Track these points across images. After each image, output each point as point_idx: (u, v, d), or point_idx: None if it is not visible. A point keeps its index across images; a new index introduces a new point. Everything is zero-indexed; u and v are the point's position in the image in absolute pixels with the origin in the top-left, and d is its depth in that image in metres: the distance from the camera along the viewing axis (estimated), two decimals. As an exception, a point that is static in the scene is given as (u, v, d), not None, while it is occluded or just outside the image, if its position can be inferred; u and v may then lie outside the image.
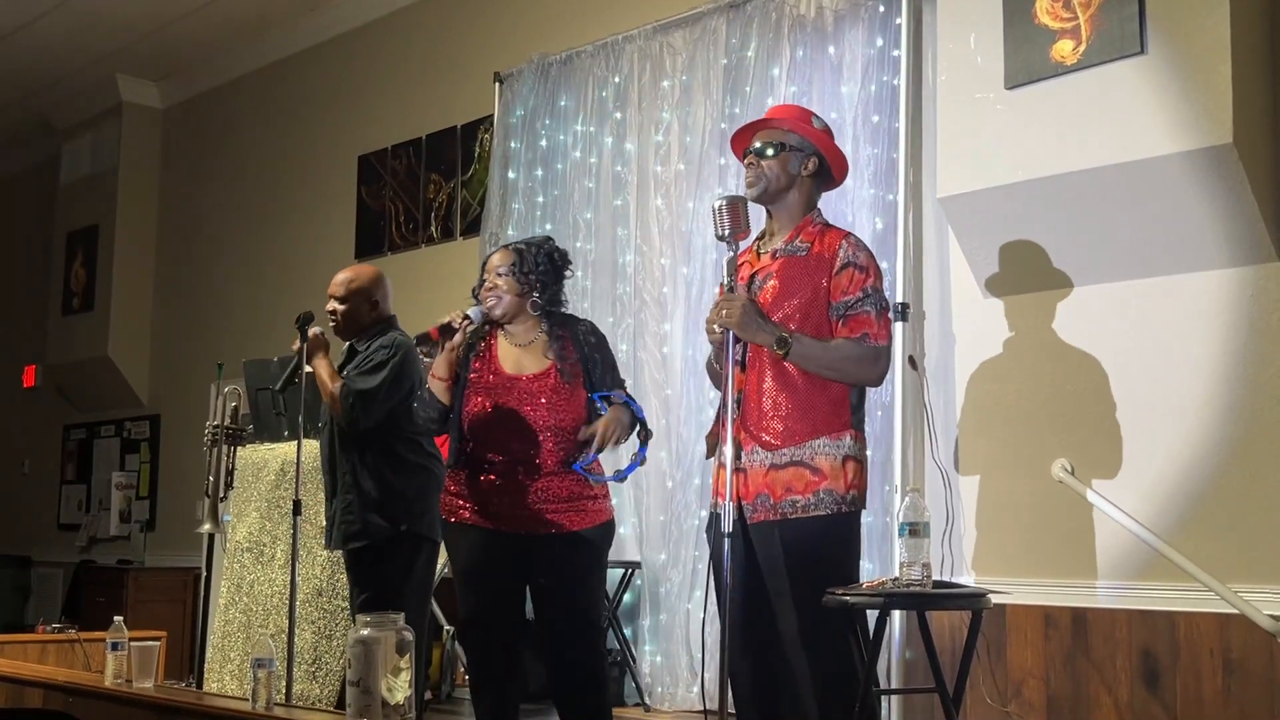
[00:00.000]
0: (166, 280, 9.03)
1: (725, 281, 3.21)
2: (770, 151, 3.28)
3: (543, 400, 3.54)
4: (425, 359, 3.75)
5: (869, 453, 3.49)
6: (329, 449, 4.22)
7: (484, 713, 3.59)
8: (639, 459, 3.58)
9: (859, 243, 3.24)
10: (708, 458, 3.35)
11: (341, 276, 4.31)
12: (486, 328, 3.67)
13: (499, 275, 3.63)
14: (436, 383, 3.61)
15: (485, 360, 3.64)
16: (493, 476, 3.55)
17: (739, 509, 3.16)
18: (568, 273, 3.75)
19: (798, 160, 3.29)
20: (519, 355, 3.63)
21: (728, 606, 3.02)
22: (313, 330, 4.21)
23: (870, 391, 3.49)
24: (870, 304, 3.15)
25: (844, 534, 3.14)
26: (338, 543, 4.16)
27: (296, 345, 4.19)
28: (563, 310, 3.73)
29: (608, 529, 3.64)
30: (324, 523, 4.41)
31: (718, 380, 3.34)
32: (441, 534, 3.80)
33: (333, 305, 4.25)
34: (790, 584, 3.06)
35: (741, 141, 3.42)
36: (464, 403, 3.61)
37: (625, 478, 3.72)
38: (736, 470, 3.17)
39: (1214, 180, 3.68)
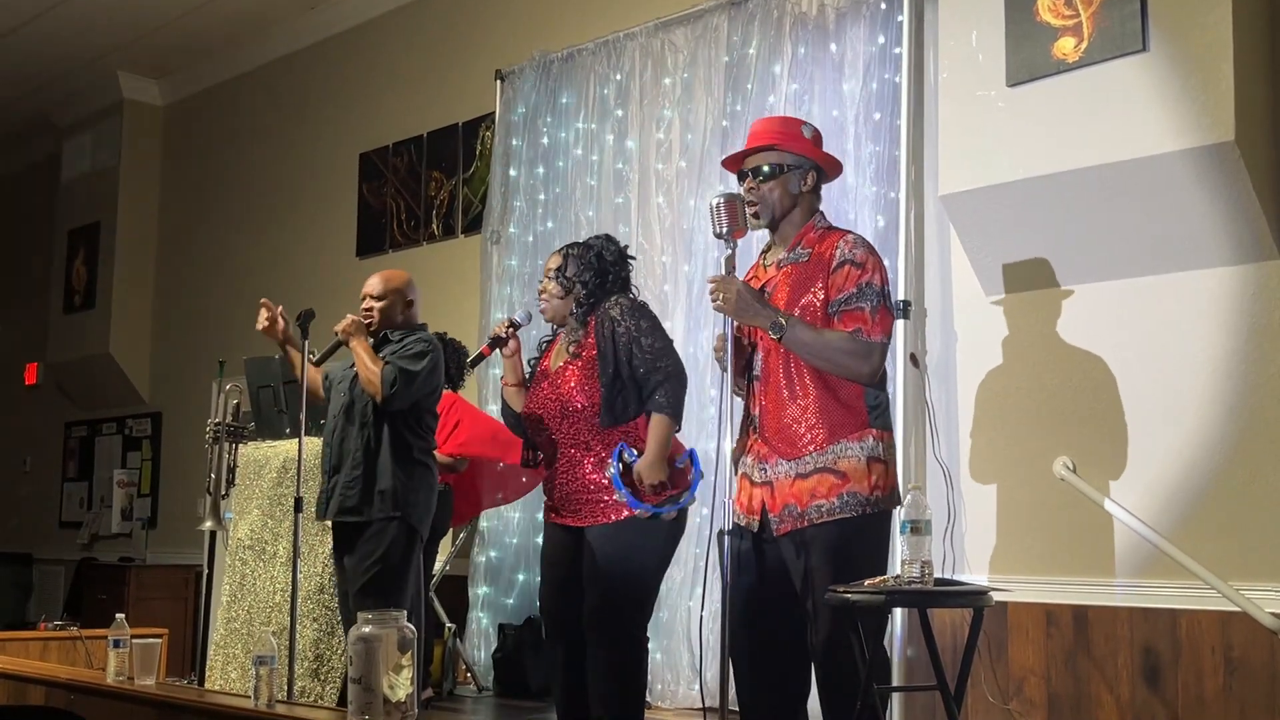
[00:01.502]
0: (167, 277, 9.03)
1: None
2: (767, 169, 3.25)
3: (569, 391, 3.58)
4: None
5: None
6: (340, 427, 4.27)
7: (562, 708, 3.63)
8: (675, 497, 3.55)
9: (858, 240, 3.22)
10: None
11: (378, 276, 4.42)
12: (556, 329, 3.78)
13: (549, 279, 3.74)
14: (508, 389, 3.79)
15: (543, 360, 3.77)
16: (551, 470, 3.68)
17: (762, 524, 3.16)
18: (629, 266, 3.77)
19: (797, 180, 3.27)
20: (560, 351, 3.72)
21: (728, 610, 3.02)
22: (351, 316, 4.28)
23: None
24: (865, 300, 3.12)
25: (870, 536, 3.12)
26: (332, 512, 4.23)
27: (340, 326, 4.24)
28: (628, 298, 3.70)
29: (642, 523, 3.51)
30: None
31: (740, 393, 3.32)
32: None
33: (369, 303, 4.34)
34: (815, 589, 3.04)
35: (735, 161, 3.37)
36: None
37: (664, 513, 3.54)
38: (763, 484, 3.17)
39: (1215, 178, 3.67)
